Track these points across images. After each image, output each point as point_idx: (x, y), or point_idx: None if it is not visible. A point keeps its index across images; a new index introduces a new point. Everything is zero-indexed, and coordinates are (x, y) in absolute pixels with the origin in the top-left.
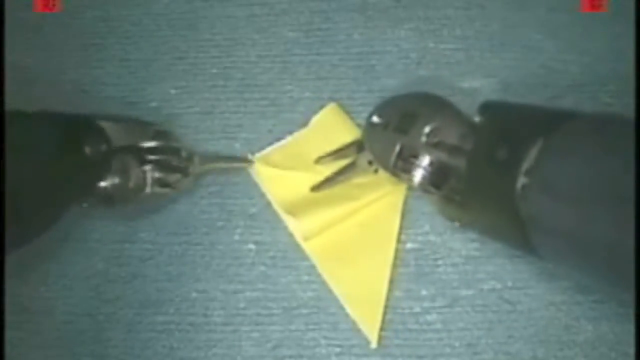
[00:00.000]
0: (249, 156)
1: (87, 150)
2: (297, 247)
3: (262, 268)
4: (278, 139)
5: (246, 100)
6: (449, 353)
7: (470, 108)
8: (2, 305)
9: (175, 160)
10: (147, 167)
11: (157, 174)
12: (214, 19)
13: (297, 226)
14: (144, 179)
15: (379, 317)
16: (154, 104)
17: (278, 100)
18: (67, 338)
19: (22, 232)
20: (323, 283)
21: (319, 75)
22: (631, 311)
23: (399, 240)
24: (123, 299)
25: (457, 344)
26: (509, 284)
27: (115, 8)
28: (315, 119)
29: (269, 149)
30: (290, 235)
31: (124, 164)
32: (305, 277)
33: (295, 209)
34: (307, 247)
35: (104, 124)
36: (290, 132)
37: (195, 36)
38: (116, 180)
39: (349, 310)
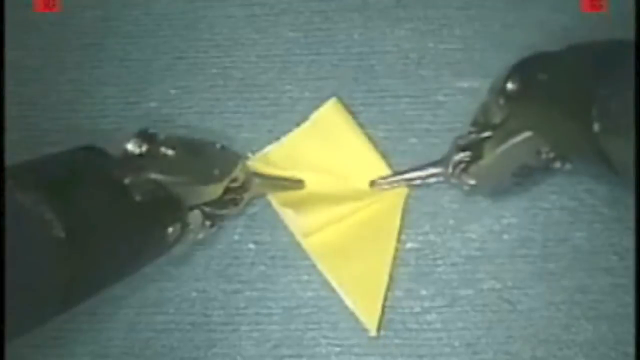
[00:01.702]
0: (249, 155)
1: (170, 231)
2: (297, 247)
3: (262, 268)
4: (278, 139)
5: (246, 100)
6: (448, 352)
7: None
8: (2, 305)
9: (232, 194)
10: (205, 211)
11: (211, 214)
12: (214, 19)
13: (296, 223)
14: (201, 224)
15: (379, 305)
16: (154, 104)
17: (278, 100)
18: (67, 338)
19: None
20: (323, 283)
21: (318, 75)
22: (631, 311)
23: (399, 240)
24: (123, 299)
25: (456, 343)
26: (509, 284)
27: (115, 8)
28: (315, 115)
29: (268, 148)
30: (290, 235)
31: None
32: (305, 277)
33: (295, 208)
34: (307, 244)
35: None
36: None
37: (195, 36)
38: (180, 235)
39: (347, 300)
